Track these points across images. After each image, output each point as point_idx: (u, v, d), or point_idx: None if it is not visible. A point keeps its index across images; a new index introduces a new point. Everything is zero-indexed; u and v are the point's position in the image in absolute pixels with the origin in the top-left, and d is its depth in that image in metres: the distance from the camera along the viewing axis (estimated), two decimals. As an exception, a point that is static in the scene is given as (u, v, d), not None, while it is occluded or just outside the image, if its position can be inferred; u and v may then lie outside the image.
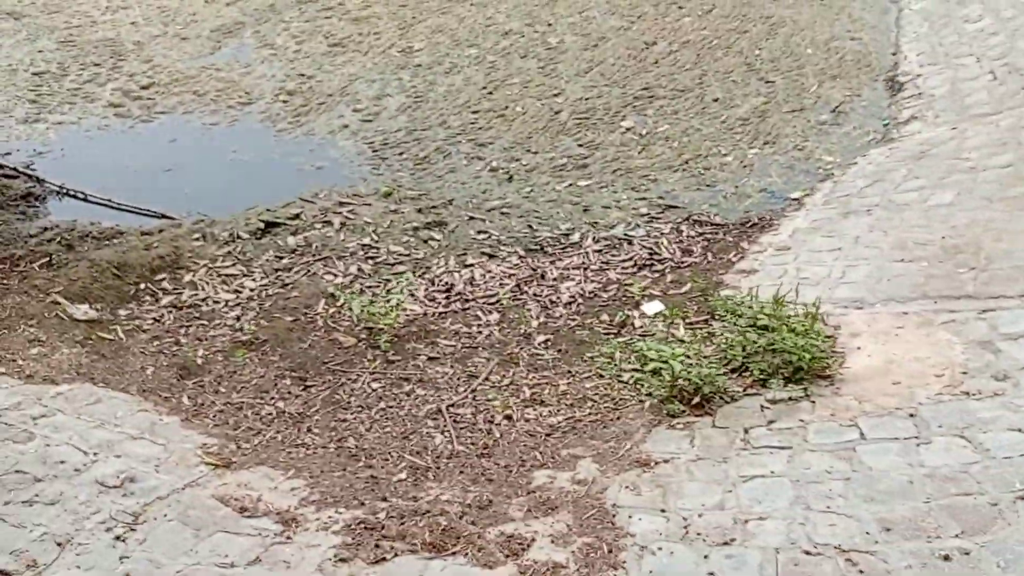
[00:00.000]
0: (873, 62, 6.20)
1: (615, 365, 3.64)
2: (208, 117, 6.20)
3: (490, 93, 6.26)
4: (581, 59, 6.59)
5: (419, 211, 5.12)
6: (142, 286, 4.48)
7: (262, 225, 5.04)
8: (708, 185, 5.14)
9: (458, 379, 3.72)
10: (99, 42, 7.18)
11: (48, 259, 4.65)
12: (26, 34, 7.35)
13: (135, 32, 7.31)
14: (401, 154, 5.70)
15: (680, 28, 6.93)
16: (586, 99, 6.12)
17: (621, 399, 3.44)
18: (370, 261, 4.67)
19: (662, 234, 4.68)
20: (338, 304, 4.29)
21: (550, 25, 7.09)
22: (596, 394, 3.50)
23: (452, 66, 6.62)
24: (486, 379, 3.71)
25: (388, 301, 4.12)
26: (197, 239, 4.91)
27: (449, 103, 6.18)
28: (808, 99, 5.85)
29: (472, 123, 5.95)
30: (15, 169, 5.63)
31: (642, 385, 3.45)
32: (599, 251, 4.61)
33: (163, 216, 5.24)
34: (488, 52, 6.77)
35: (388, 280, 4.47)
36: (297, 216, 5.12)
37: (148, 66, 6.82)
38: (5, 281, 4.41)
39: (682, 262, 4.43)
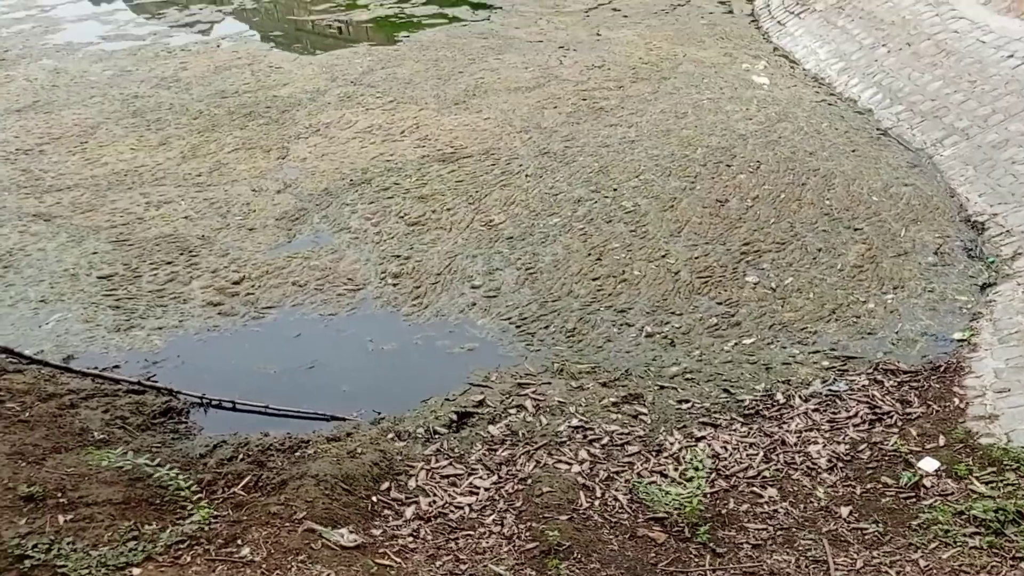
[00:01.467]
0: (939, 204, 6.81)
1: (955, 530, 3.65)
2: (322, 307, 5.95)
3: (598, 259, 6.38)
4: (665, 220, 6.86)
5: (603, 385, 5.06)
6: (374, 499, 4.15)
7: (455, 417, 4.83)
8: (869, 333, 5.39)
9: (807, 568, 3.61)
10: (158, 239, 6.82)
11: (255, 480, 4.24)
12: (67, 236, 6.90)
13: (193, 226, 7.01)
14: (547, 327, 5.66)
15: (741, 185, 7.37)
16: (695, 258, 6.34)
17: (992, 565, 3.44)
18: (595, 444, 4.54)
19: (864, 386, 4.83)
20: (600, 495, 4.12)
21: (615, 190, 7.37)
22: (966, 564, 3.48)
23: (544, 236, 6.72)
24: (839, 566, 3.59)
25: (680, 485, 4.00)
26: (393, 439, 4.64)
27: (563, 272, 6.24)
28: (905, 243, 6.32)
29: (599, 290, 6.02)
30: (140, 383, 5.17)
31: (1003, 546, 3.48)
32: (816, 410, 4.69)
33: (333, 418, 4.92)
34: (571, 220, 6.93)
35: (631, 462, 4.36)
36: (482, 403, 4.95)
37: (227, 260, 6.52)
38: (226, 513, 3.96)
39: (908, 414, 4.57)
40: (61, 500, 3.97)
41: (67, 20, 13.08)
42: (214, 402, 5.04)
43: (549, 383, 5.09)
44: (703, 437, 4.54)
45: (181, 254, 6.62)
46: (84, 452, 4.28)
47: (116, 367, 5.40)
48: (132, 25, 12.73)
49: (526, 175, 7.70)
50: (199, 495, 3.90)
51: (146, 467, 3.98)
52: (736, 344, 5.39)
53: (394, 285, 6.19)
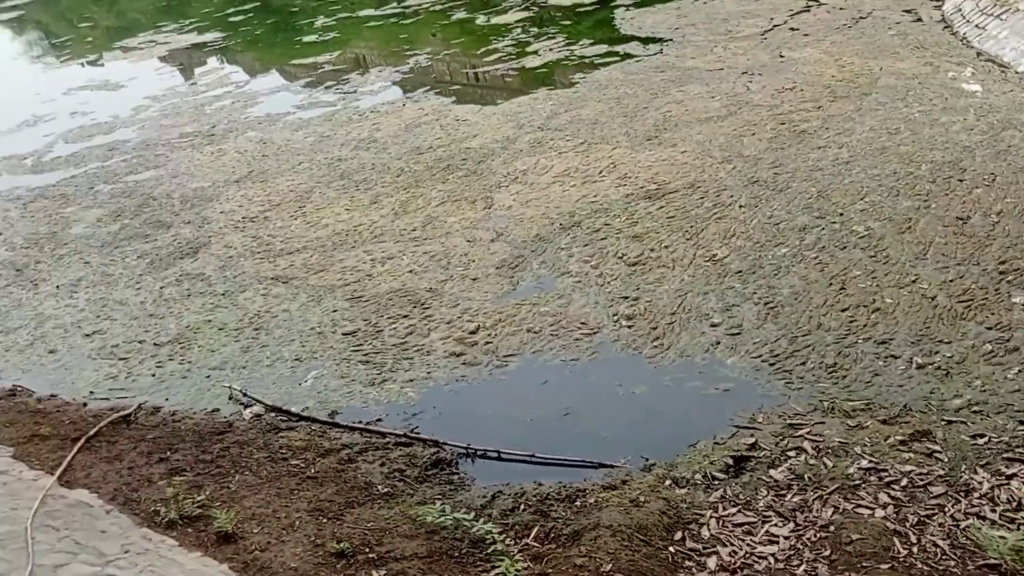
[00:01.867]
0: None
1: None
2: (562, 353, 5.97)
3: (841, 289, 6.10)
4: (905, 243, 6.51)
5: (884, 423, 4.79)
6: (671, 549, 4.06)
7: (730, 461, 4.68)
8: None
9: None
10: (390, 294, 7.08)
11: (545, 531, 4.25)
12: (307, 296, 7.27)
13: (419, 280, 7.23)
14: (803, 364, 5.44)
15: (980, 200, 6.91)
16: (949, 281, 5.96)
17: None
18: (894, 487, 4.28)
19: None
20: (917, 541, 3.87)
21: (841, 215, 7.07)
22: None
23: (775, 268, 6.51)
24: None
25: (1005, 528, 3.71)
26: (671, 486, 4.53)
27: (806, 305, 6.01)
28: None
29: (851, 321, 5.75)
30: (406, 435, 5.33)
31: None
32: None
33: (602, 465, 4.88)
34: (800, 249, 6.69)
35: (940, 504, 4.08)
36: (754, 446, 4.78)
37: (459, 310, 6.68)
38: (527, 566, 3.97)
39: None
40: (370, 555, 4.12)
41: (261, 94, 14.02)
42: (480, 452, 5.12)
43: (822, 423, 4.87)
44: (1015, 475, 4.18)
45: (414, 307, 6.84)
46: (385, 506, 4.42)
47: (379, 420, 5.60)
48: (321, 92, 13.49)
49: (739, 206, 7.52)
50: (510, 547, 3.93)
51: (465, 522, 4.05)
52: (1020, 372, 4.98)
53: (629, 327, 6.14)
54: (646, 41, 12.91)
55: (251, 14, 21.44)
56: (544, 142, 9.73)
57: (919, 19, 11.90)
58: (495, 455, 5.08)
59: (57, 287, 8.11)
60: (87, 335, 7.18)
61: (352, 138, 11.02)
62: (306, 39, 17.45)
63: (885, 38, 11.20)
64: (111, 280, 8.11)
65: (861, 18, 12.18)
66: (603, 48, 12.98)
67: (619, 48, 12.80)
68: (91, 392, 6.37)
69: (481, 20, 16.28)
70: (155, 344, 6.88)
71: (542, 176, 8.86)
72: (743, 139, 8.85)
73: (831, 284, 6.18)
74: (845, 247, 6.61)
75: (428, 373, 5.99)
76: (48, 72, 19.02)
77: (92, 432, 5.51)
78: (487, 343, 6.22)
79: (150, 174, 10.86)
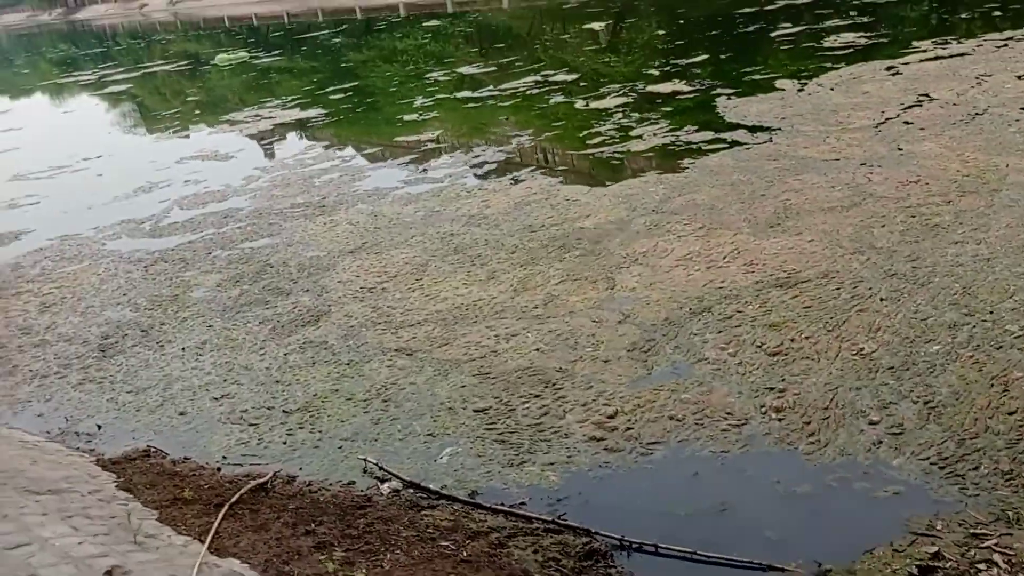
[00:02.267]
0: None
1: None
2: (711, 444, 5.75)
3: (1004, 391, 5.79)
4: (1069, 345, 6.18)
5: (1082, 539, 4.43)
6: (870, 667, 3.75)
7: (915, 571, 4.38)
8: None
9: None
10: (518, 371, 6.98)
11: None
12: (433, 370, 7.21)
13: (546, 359, 7.12)
14: (975, 468, 5.12)
15: None
16: None
17: None
18: (1112, 611, 3.93)
19: None
20: None
21: (991, 313, 6.78)
22: None
23: (929, 365, 6.23)
24: None
25: None
26: (854, 596, 4.23)
27: (968, 405, 5.70)
28: None
29: (1020, 425, 5.42)
30: (555, 521, 5.13)
31: None
32: None
33: (771, 567, 4.60)
34: (954, 347, 6.40)
35: None
36: (937, 555, 4.46)
37: (593, 392, 6.53)
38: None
39: None
40: (544, 650, 3.89)
41: (367, 168, 14.38)
42: (635, 545, 4.90)
43: (1009, 534, 4.54)
44: None
45: (545, 387, 6.71)
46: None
47: (523, 504, 5.42)
48: (427, 168, 13.75)
49: (880, 299, 7.28)
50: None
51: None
52: None
53: (779, 420, 5.91)
54: (753, 129, 12.91)
55: (350, 92, 22.28)
56: (661, 225, 9.67)
57: (1041, 115, 11.67)
58: (652, 549, 4.85)
59: (183, 349, 8.23)
60: (215, 399, 7.22)
61: (462, 214, 11.15)
62: (407, 117, 17.95)
63: (1007, 135, 10.97)
64: (235, 344, 8.20)
65: (977, 114, 11.99)
66: (709, 134, 13.01)
67: (726, 135, 12.82)
68: (223, 457, 6.36)
69: (580, 104, 16.55)
70: (284, 411, 6.87)
71: (663, 259, 8.76)
72: (872, 230, 8.65)
73: (992, 385, 5.87)
74: (1001, 347, 6.31)
75: (569, 457, 5.82)
76: (160, 142, 19.88)
77: (234, 499, 5.45)
78: (628, 429, 6.04)
79: (265, 242, 11.11)
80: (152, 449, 6.49)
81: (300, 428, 6.62)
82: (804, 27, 21.40)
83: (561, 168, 12.85)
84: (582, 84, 18.71)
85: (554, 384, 6.74)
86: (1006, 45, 15.97)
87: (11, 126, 25.77)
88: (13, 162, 19.19)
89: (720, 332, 7.16)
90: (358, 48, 35.49)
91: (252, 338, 8.29)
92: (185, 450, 6.51)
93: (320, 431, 6.54)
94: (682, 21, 27.73)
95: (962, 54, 15.76)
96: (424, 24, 40.34)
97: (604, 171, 12.32)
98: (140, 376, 7.78)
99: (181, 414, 7.05)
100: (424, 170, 13.52)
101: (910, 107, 12.82)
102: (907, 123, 12.08)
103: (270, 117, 20.19)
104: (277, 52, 37.32)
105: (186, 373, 7.73)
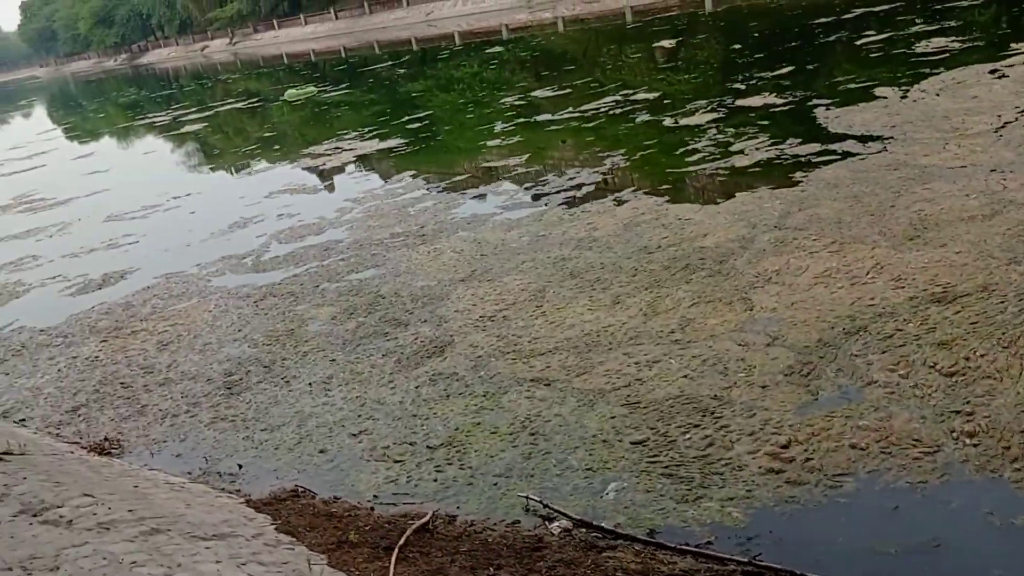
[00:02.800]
0: None
1: None
2: (905, 474, 5.32)
3: None
4: None
5: None
6: None
7: None
8: None
9: None
10: (669, 400, 6.63)
11: None
12: (576, 401, 6.90)
13: (698, 386, 6.76)
14: None
15: None
16: None
17: None
18: None
19: None
20: None
21: None
22: None
23: None
24: None
25: None
26: None
27: None
28: None
29: None
30: (752, 562, 4.76)
31: None
32: None
33: (1015, 614, 4.16)
34: None
35: None
36: None
37: (758, 421, 6.14)
38: None
39: None
40: None
41: (460, 195, 14.24)
42: (842, 587, 4.50)
43: None
44: None
45: (703, 416, 6.35)
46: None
47: (709, 543, 5.06)
48: (521, 193, 13.56)
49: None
50: None
51: None
52: None
53: (974, 445, 5.44)
54: (863, 139, 12.41)
55: (426, 121, 22.33)
56: (787, 241, 9.25)
57: None
58: (863, 593, 4.44)
59: (309, 384, 8.08)
60: (353, 435, 7.02)
61: (569, 237, 10.88)
62: (490, 143, 17.84)
63: None
64: (362, 378, 8.01)
65: (1110, 112, 11.34)
66: (816, 146, 12.56)
67: (834, 146, 12.35)
68: (375, 496, 6.12)
69: (668, 122, 16.23)
70: (428, 447, 6.63)
71: (799, 277, 8.34)
72: (1023, 239, 8.13)
73: None
74: None
75: (748, 492, 5.44)
76: (245, 178, 20.12)
77: (400, 541, 5.20)
78: (807, 459, 5.63)
79: (371, 273, 10.98)
80: (300, 489, 6.29)
81: (448, 464, 6.36)
82: (890, 33, 20.79)
83: (664, 187, 12.50)
84: (665, 102, 18.40)
85: (712, 412, 6.37)
86: (1119, 41, 15.19)
87: (96, 168, 26.43)
88: (106, 203, 19.58)
89: (884, 352, 6.71)
90: (424, 77, 35.77)
91: (378, 371, 8.09)
92: (333, 489, 6.30)
93: (470, 467, 6.27)
94: (756, 35, 27.26)
95: (1073, 52, 15.04)
96: (485, 51, 40.56)
97: (711, 188, 11.95)
98: (272, 413, 7.63)
99: (321, 451, 6.85)
100: (528, 190, 13.31)
101: (1030, 109, 12.20)
102: (1033, 126, 11.47)
103: (350, 149, 20.29)
104: (343, 85, 37.84)
105: (317, 409, 7.56)
